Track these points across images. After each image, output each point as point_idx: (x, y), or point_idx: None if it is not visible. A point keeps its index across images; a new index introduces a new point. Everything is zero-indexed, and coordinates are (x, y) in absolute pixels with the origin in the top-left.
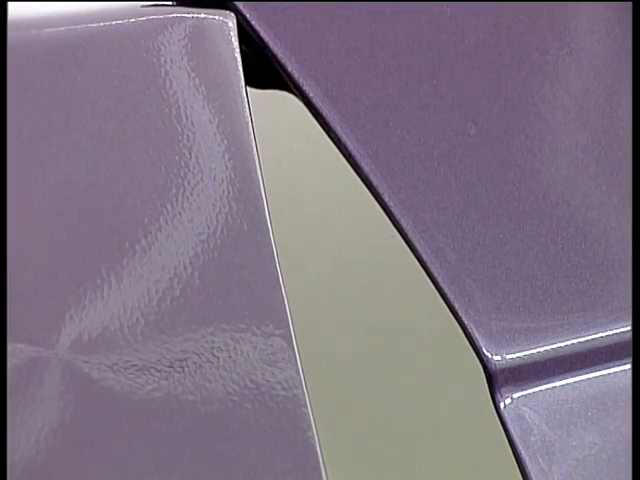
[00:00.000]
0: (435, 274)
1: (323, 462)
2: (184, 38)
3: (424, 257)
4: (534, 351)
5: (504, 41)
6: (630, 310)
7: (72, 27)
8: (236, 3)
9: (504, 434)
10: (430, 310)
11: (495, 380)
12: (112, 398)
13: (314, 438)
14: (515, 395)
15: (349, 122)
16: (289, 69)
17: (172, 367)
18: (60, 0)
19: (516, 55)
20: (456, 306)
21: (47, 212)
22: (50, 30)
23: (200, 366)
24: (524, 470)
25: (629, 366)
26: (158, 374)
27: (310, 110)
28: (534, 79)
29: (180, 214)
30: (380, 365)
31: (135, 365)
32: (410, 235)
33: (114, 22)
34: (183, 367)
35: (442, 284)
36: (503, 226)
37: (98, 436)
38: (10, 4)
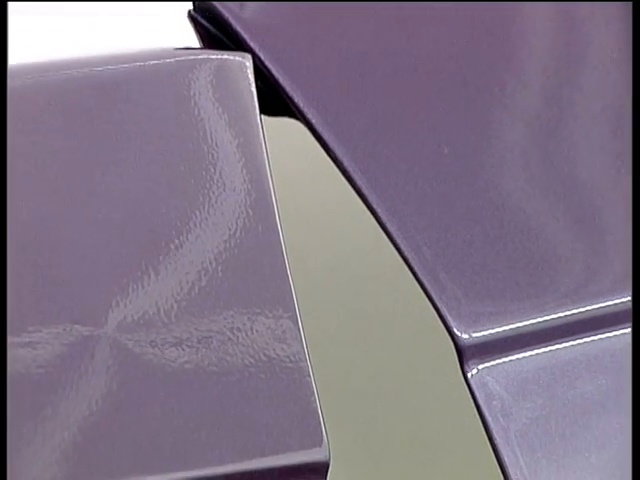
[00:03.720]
0: (415, 268)
1: (323, 422)
2: (210, 75)
3: (406, 254)
4: (496, 330)
5: (466, 76)
6: (573, 295)
7: (118, 66)
8: (252, 46)
9: (472, 399)
10: (411, 297)
11: (464, 354)
12: (150, 369)
13: (316, 402)
14: (480, 367)
15: (344, 143)
16: (295, 100)
17: (200, 343)
18: (63, 0)
19: (475, 89)
20: (432, 294)
21: (101, 215)
22: (98, 69)
23: (223, 343)
24: (487, 428)
25: (572, 342)
26: (188, 349)
27: (313, 134)
28: (495, 110)
29: (206, 219)
30: (369, 340)
31: (170, 342)
32: (394, 236)
33: (152, 62)
34: (209, 343)
35: (420, 276)
36: (470, 229)
37: (139, 401)
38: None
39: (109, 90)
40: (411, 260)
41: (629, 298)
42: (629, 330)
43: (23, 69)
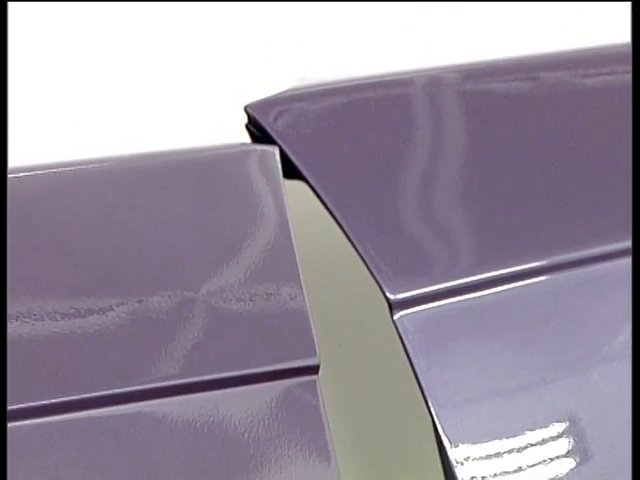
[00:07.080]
0: (366, 259)
1: (316, 341)
2: (254, 158)
3: (361, 252)
4: (411, 293)
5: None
6: (455, 269)
7: (202, 153)
8: (278, 142)
9: (396, 331)
10: (361, 275)
11: (392, 307)
12: (224, 315)
13: (312, 330)
14: (400, 313)
15: (335, 198)
16: (302, 171)
17: (250, 300)
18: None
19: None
20: (374, 273)
21: (197, 241)
22: (191, 155)
23: (262, 300)
24: (404, 345)
25: (459, 299)
26: (243, 303)
27: (312, 190)
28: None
29: (251, 239)
30: (344, 299)
31: (233, 300)
32: (355, 242)
33: (222, 163)
34: (253, 300)
35: (368, 263)
36: (397, 240)
37: (216, 330)
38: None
39: (200, 168)
40: (364, 255)
41: (494, 273)
42: (499, 289)
43: (124, 157)
